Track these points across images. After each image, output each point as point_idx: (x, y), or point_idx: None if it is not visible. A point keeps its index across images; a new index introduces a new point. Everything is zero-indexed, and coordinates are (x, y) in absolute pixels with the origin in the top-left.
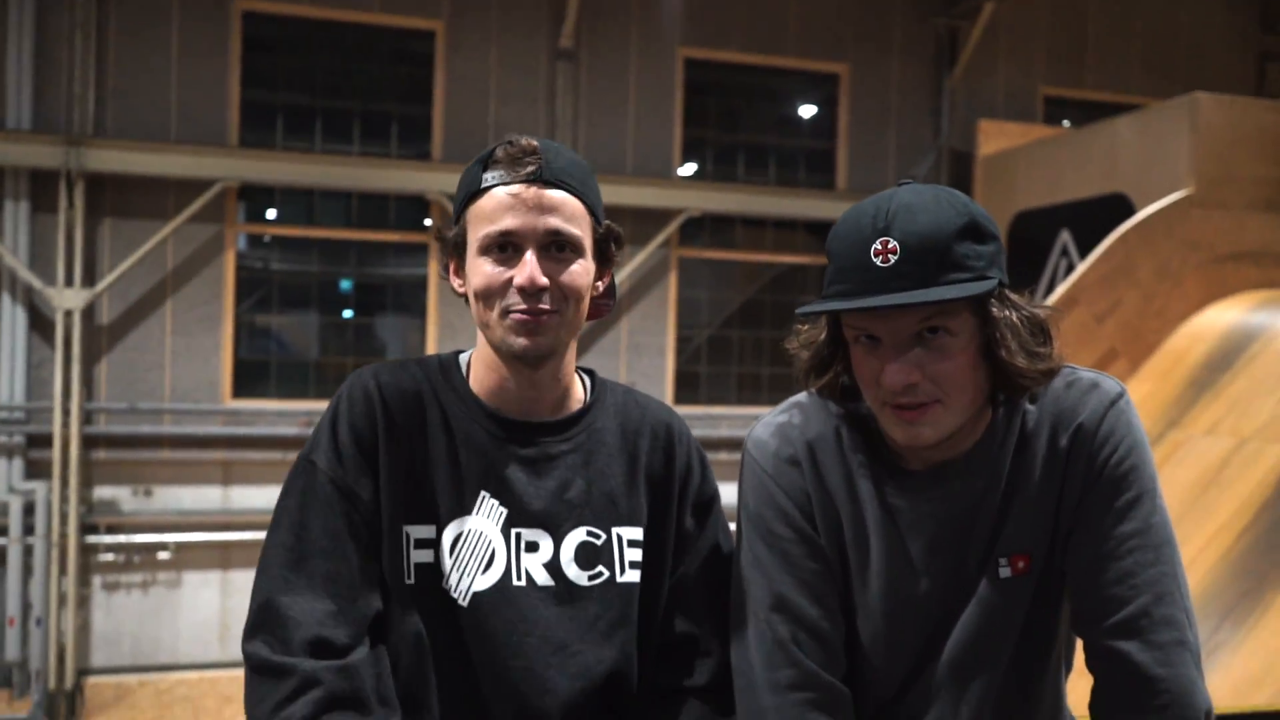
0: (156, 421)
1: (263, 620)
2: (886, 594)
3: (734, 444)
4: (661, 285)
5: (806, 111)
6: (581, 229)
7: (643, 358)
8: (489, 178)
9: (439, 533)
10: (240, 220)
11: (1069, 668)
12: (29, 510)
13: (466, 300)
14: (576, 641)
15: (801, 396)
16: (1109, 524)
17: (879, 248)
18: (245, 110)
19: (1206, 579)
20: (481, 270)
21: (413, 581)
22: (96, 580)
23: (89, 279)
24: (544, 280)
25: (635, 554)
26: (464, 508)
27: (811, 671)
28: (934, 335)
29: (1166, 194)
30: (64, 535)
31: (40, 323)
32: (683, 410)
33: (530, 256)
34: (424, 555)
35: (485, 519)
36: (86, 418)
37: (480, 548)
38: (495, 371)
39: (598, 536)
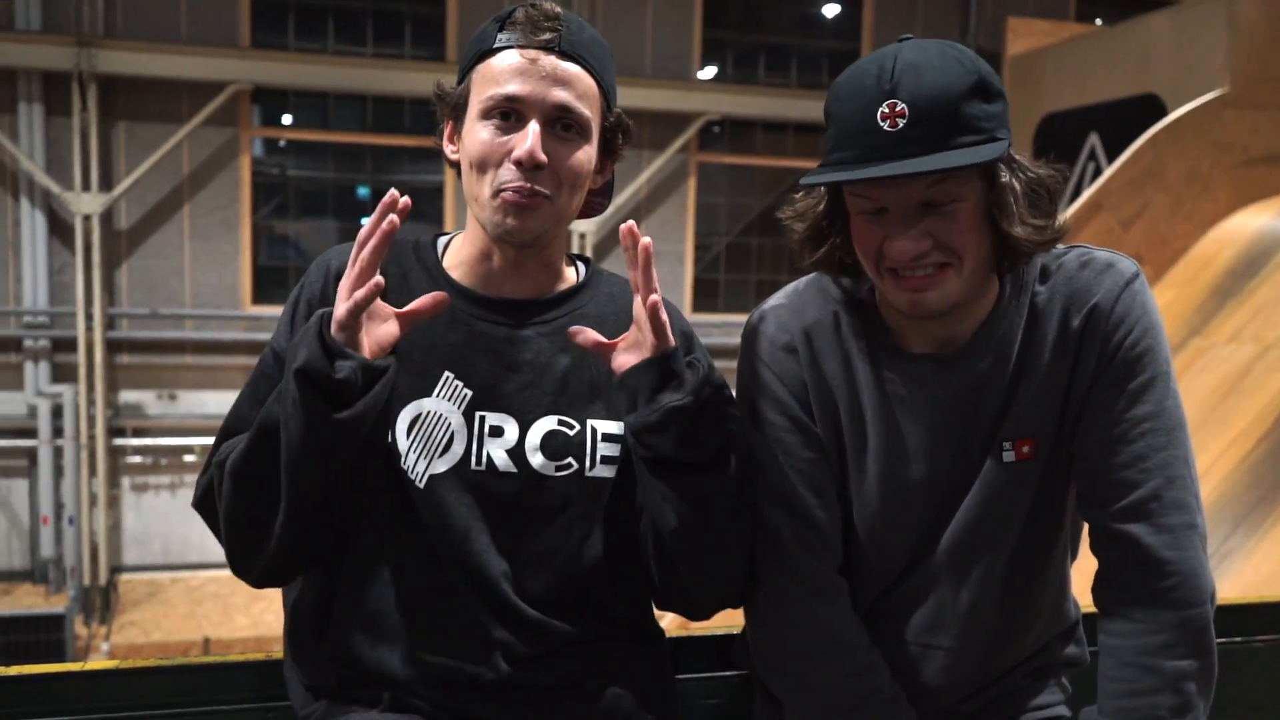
0: (178, 327)
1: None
2: (884, 481)
3: (723, 351)
4: (680, 191)
5: (830, 11)
6: (592, 110)
7: (661, 265)
8: (503, 38)
9: (396, 414)
10: (255, 124)
11: (1074, 555)
12: (57, 413)
13: (458, 170)
14: (533, 530)
15: (800, 281)
16: (1122, 406)
17: (886, 111)
18: (256, 10)
19: (1222, 485)
20: (479, 136)
21: (378, 466)
22: (125, 481)
23: (106, 183)
24: (543, 157)
25: (610, 449)
26: (423, 388)
27: (805, 561)
28: (942, 202)
29: (1200, 94)
30: (92, 438)
31: (60, 227)
32: (700, 318)
33: (534, 128)
34: (401, 431)
35: (445, 401)
36: (109, 323)
37: (439, 429)
38: (477, 247)
39: (570, 427)
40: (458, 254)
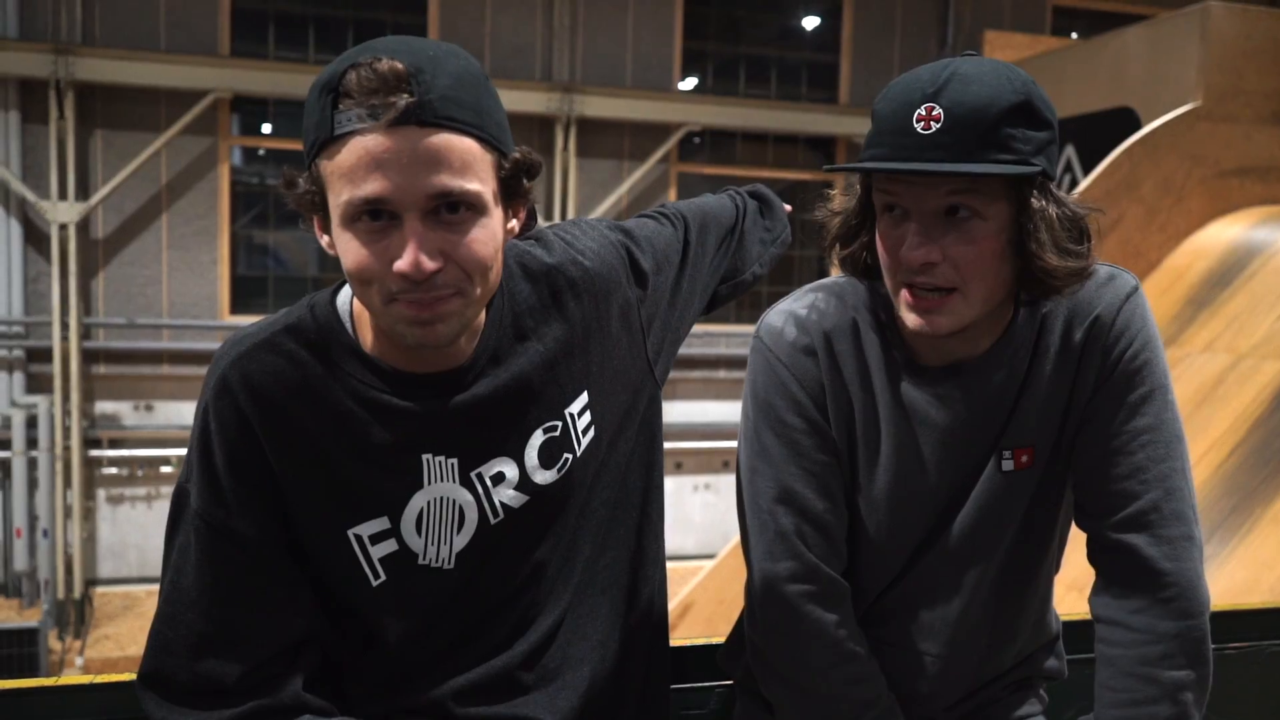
0: (155, 337)
1: (147, 672)
2: (894, 487)
3: (732, 362)
4: (660, 202)
5: (809, 23)
6: (481, 178)
7: None
8: (344, 120)
9: (396, 520)
10: (234, 133)
11: (1058, 567)
12: (32, 424)
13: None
14: (551, 537)
15: (819, 285)
16: (1122, 418)
17: (923, 114)
18: (236, 18)
19: (1200, 493)
20: (351, 248)
21: (384, 579)
22: (101, 493)
23: (83, 192)
24: (432, 265)
25: (585, 419)
26: (413, 482)
27: (812, 564)
28: (963, 217)
29: (1174, 107)
30: (67, 449)
31: (35, 236)
32: None
33: (412, 229)
34: (386, 547)
35: (440, 481)
36: (85, 333)
37: (447, 511)
38: (389, 334)
39: (555, 429)
40: (370, 331)
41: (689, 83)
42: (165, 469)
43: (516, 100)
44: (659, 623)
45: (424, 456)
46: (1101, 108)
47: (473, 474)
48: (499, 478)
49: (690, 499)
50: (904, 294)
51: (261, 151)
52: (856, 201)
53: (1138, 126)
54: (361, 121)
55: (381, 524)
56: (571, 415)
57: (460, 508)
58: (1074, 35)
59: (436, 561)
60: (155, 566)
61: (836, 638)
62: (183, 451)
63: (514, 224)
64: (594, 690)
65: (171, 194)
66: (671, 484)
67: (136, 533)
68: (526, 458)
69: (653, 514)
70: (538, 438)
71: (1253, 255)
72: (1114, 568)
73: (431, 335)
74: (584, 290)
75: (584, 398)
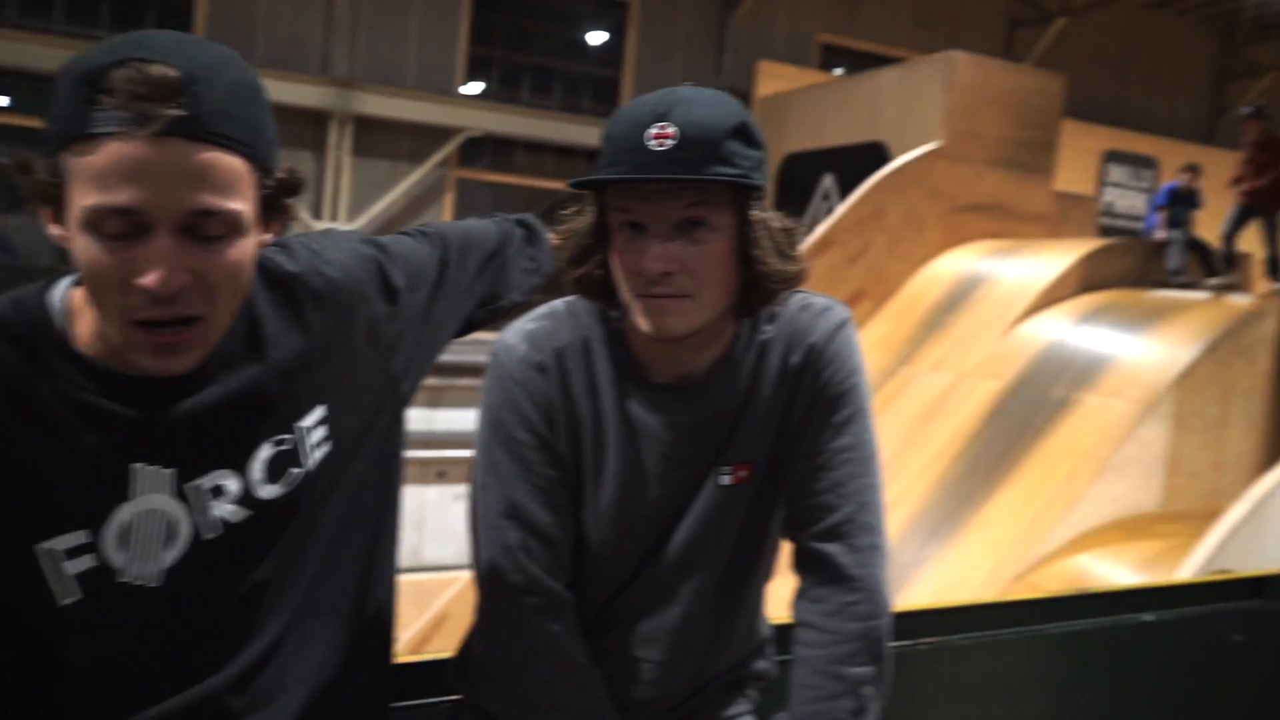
0: None
1: None
2: (619, 502)
3: None
4: (437, 206)
5: (595, 38)
6: (244, 197)
7: None
8: (103, 118)
9: (96, 534)
10: None
11: (770, 575)
12: None
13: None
14: (274, 555)
15: (554, 304)
16: (827, 438)
17: (655, 131)
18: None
19: (921, 500)
20: (91, 254)
21: (77, 598)
22: None
23: None
24: (178, 283)
25: (319, 433)
26: (119, 494)
27: (536, 577)
28: (696, 228)
29: (920, 145)
30: None
31: None
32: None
33: (161, 244)
34: (82, 563)
35: (151, 492)
36: None
37: (156, 525)
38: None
39: (284, 442)
40: (90, 327)
41: (473, 87)
42: None
43: (290, 92)
44: (384, 643)
45: (134, 466)
46: (859, 140)
47: (188, 486)
48: (218, 491)
49: (452, 508)
50: (639, 302)
51: None
52: (591, 222)
53: (888, 160)
54: (122, 125)
55: (78, 538)
56: (303, 429)
57: (171, 522)
58: (838, 71)
59: (141, 579)
60: None
61: (559, 649)
62: None
63: (267, 237)
64: (311, 714)
65: None
66: (434, 493)
67: None
68: (251, 471)
69: (386, 535)
70: (265, 450)
71: (977, 284)
72: (812, 575)
73: (171, 366)
74: (327, 301)
75: (320, 411)
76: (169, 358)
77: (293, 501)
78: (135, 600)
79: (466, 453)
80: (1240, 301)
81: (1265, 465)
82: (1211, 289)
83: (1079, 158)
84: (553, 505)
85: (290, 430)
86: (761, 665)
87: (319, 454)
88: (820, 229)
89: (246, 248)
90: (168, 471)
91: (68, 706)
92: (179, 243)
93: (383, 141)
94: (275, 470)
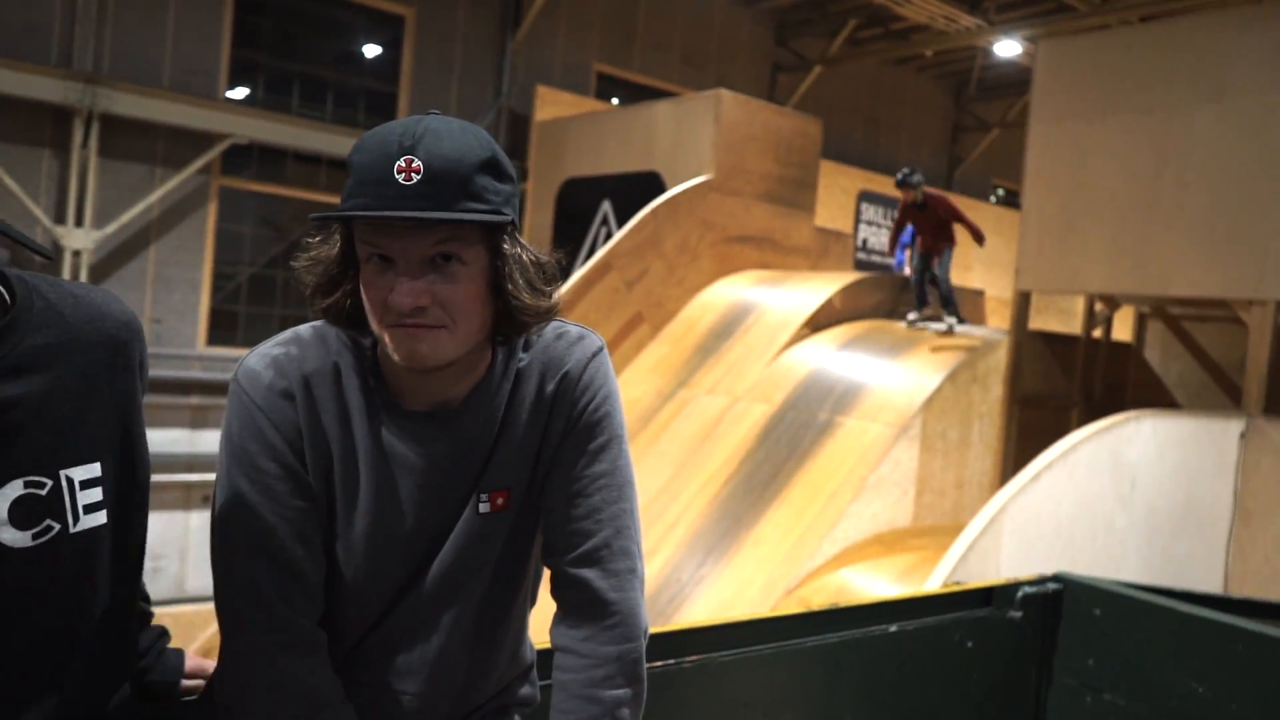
0: None
1: None
2: (373, 532)
3: None
4: (198, 215)
5: (370, 51)
6: None
7: (173, 293)
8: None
9: None
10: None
11: (533, 601)
12: None
13: None
14: (21, 612)
15: (301, 329)
16: (582, 464)
17: (403, 165)
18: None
19: (698, 520)
20: None
21: None
22: None
23: None
24: None
25: (93, 494)
26: None
27: (284, 614)
28: (446, 262)
29: (692, 177)
30: None
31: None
32: (217, 351)
33: None
34: None
35: None
36: None
37: None
38: None
39: (41, 485)
40: None
41: (239, 92)
42: None
43: (26, 85)
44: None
45: None
46: (635, 169)
47: None
48: None
49: None
50: (391, 332)
51: None
52: (337, 251)
53: (663, 190)
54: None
55: None
56: (70, 479)
57: None
58: (615, 100)
59: None
60: None
61: (308, 687)
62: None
63: None
64: None
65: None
66: (198, 519)
67: None
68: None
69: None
70: (14, 488)
71: (748, 311)
72: (570, 600)
73: None
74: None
75: (96, 469)
76: None
77: (44, 561)
78: None
79: None
80: (976, 334)
81: (999, 483)
82: (915, 323)
83: (837, 196)
84: (301, 537)
85: (52, 476)
86: (526, 691)
87: (91, 521)
88: (600, 253)
89: None
90: None
91: None
92: None
93: (135, 144)
94: (23, 516)
